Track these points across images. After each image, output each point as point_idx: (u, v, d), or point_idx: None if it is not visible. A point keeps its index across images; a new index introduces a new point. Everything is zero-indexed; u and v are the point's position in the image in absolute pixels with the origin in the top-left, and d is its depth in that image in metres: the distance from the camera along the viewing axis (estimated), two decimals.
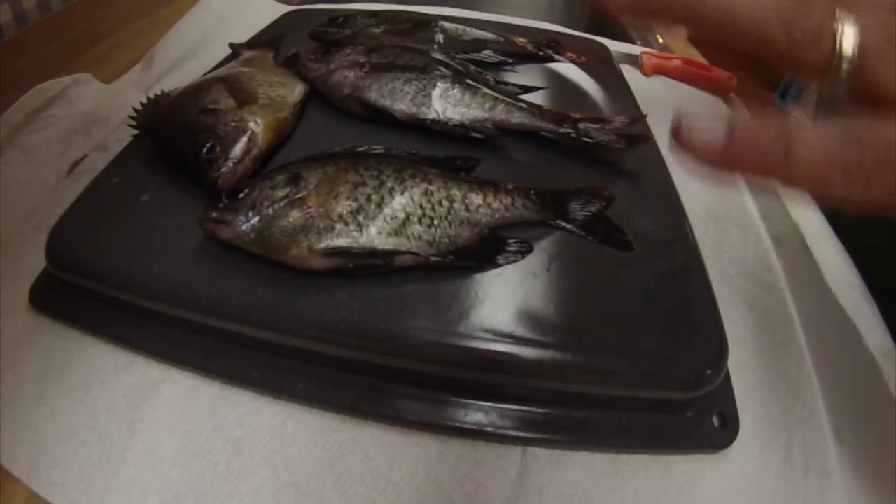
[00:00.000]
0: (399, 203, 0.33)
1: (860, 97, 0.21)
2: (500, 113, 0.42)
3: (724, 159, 0.21)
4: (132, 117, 0.40)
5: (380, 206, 0.32)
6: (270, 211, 0.32)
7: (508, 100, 0.42)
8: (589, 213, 0.35)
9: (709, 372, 0.30)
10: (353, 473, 0.29)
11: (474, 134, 0.41)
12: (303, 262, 0.31)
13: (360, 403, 0.31)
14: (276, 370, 0.32)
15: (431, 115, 0.41)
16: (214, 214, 0.32)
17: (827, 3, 0.21)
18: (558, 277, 0.33)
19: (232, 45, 0.51)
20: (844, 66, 0.21)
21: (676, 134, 0.22)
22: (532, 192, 0.35)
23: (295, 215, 0.32)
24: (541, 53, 0.52)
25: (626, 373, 0.30)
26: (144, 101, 0.41)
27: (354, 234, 0.31)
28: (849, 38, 0.20)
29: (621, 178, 0.40)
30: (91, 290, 0.34)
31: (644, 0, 0.23)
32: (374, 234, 0.31)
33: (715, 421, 0.31)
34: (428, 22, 0.52)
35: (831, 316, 0.37)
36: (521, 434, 0.30)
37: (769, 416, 0.33)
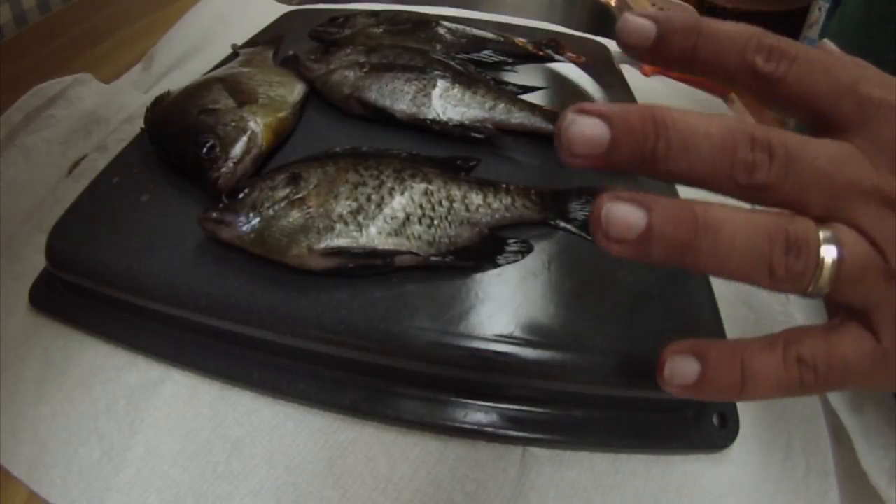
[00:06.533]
0: (399, 203, 0.33)
1: None
2: (500, 113, 0.42)
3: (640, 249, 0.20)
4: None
5: (380, 206, 0.32)
6: (270, 211, 0.32)
7: (508, 100, 0.42)
8: (589, 213, 0.35)
9: None
10: (353, 473, 0.29)
11: (474, 134, 0.41)
12: (303, 262, 0.31)
13: (360, 403, 0.31)
14: (276, 370, 0.32)
15: (431, 115, 0.41)
16: (214, 214, 0.32)
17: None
18: (558, 277, 0.33)
19: (233, 46, 0.51)
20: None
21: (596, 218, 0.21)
22: (532, 192, 0.35)
23: (295, 215, 0.32)
24: (541, 53, 0.51)
25: (626, 373, 0.30)
26: (145, 101, 0.41)
27: (354, 234, 0.31)
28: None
29: (621, 178, 0.40)
30: (91, 290, 0.34)
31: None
32: (374, 234, 0.31)
33: (715, 421, 0.31)
34: (428, 22, 0.51)
35: None
36: (521, 434, 0.30)
37: (769, 415, 0.33)
